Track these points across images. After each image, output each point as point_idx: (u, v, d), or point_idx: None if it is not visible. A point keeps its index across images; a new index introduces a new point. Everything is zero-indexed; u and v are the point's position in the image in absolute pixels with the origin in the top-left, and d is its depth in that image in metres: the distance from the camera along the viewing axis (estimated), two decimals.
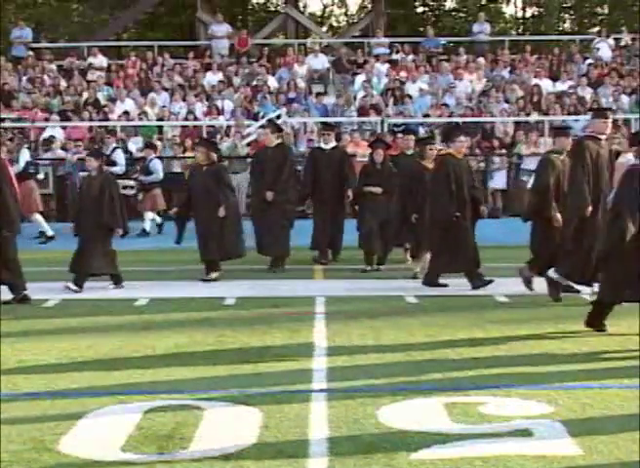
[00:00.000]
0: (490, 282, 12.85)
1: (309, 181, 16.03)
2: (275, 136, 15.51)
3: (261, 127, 17.89)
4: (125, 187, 20.60)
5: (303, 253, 15.87)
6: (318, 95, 25.21)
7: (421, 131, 22.08)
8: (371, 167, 15.03)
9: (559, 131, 13.41)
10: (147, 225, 20.02)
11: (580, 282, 11.81)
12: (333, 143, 16.31)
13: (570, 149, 12.27)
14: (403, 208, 14.85)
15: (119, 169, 20.73)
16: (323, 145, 16.25)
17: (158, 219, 20.08)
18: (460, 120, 23.64)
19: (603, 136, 11.85)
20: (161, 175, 20.37)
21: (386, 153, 15.31)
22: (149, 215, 20.08)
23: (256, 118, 23.89)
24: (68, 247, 13.97)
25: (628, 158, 19.72)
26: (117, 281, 13.44)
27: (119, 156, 21.05)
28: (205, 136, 22.74)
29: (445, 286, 13.01)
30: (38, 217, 19.40)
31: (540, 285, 12.82)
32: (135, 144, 22.69)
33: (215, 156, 14.49)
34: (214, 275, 13.96)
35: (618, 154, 20.46)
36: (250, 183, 17.98)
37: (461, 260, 12.90)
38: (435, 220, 13.01)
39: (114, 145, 21.34)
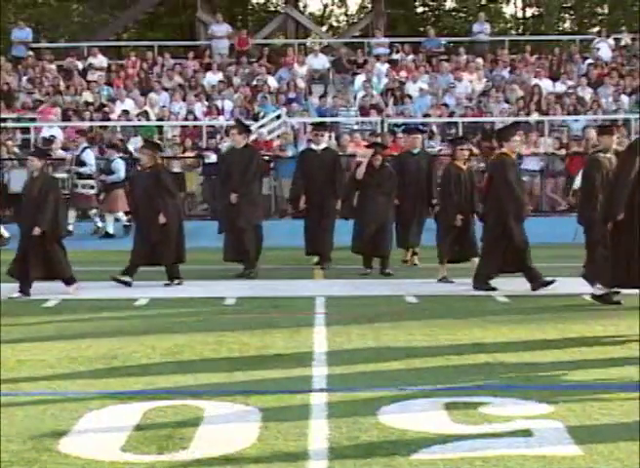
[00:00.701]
0: (494, 289, 12.75)
1: (300, 183, 15.73)
2: (243, 136, 14.97)
3: (232, 127, 16.87)
4: (85, 187, 20.66)
5: (303, 253, 15.85)
6: (321, 97, 25.18)
7: None
8: (370, 169, 14.86)
9: (604, 129, 13.05)
10: (110, 227, 20.02)
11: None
12: (324, 144, 16.09)
13: (623, 150, 11.91)
14: (412, 208, 14.81)
15: (88, 169, 20.71)
16: (314, 146, 15.98)
17: (124, 220, 20.00)
18: (459, 120, 23.68)
19: None
20: (122, 175, 20.27)
21: (384, 155, 15.17)
22: (110, 217, 20.10)
23: (256, 118, 23.91)
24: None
25: None
26: (24, 289, 12.82)
27: (88, 156, 20.95)
28: (205, 135, 22.79)
29: (494, 289, 12.73)
30: None
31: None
32: (134, 144, 22.70)
33: (160, 158, 14.25)
34: (125, 278, 13.50)
35: (618, 154, 20.51)
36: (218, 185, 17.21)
37: (512, 260, 12.69)
38: (499, 223, 12.71)
39: (84, 145, 21.23)
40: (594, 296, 11.62)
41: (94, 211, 20.64)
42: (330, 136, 20.99)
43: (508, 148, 13.08)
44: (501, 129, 14.97)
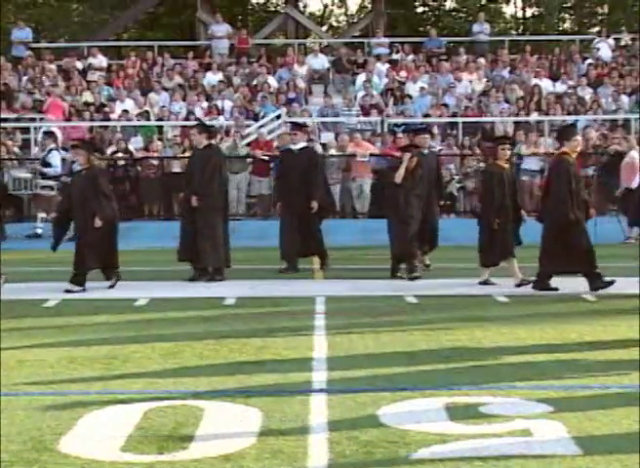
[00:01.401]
0: (612, 282, 12.42)
1: (279, 187, 15.53)
2: (203, 136, 14.41)
3: (192, 126, 16.26)
4: (44, 187, 20.59)
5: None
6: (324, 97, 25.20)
7: None
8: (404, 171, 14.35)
9: None
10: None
11: None
12: (302, 144, 15.64)
13: None
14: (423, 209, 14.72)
15: (53, 170, 20.61)
16: (292, 146, 15.63)
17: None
18: (460, 120, 23.70)
19: None
20: None
21: (420, 158, 14.48)
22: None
23: (256, 118, 23.91)
24: (66, 246, 13.95)
25: (633, 156, 19.63)
26: None
27: (54, 158, 20.84)
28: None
29: (556, 289, 12.59)
30: None
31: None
32: (134, 144, 22.72)
33: (96, 159, 13.92)
34: (72, 287, 13.07)
35: (619, 154, 20.56)
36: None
37: (576, 261, 12.46)
38: (555, 221, 12.55)
39: (51, 146, 21.11)
40: None
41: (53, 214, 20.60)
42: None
43: (570, 148, 12.88)
44: (563, 128, 14.73)
